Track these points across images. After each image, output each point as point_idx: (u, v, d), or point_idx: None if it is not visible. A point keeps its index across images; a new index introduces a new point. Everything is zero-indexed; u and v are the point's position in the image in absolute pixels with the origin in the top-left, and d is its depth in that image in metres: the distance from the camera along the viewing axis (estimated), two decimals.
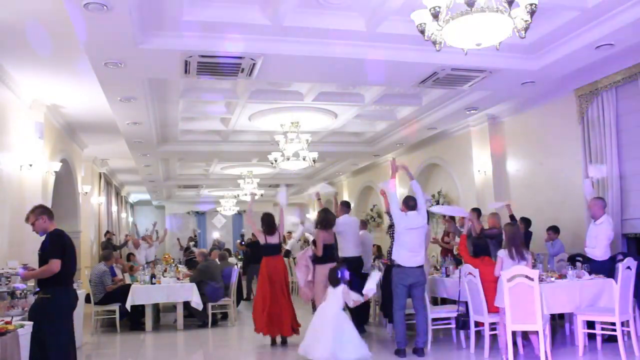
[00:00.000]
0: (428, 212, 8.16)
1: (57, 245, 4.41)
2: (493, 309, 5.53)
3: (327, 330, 5.39)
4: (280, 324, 6.67)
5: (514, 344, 5.24)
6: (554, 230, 7.77)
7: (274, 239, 6.89)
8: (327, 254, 6.79)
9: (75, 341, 4.94)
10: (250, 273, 12.08)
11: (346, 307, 6.24)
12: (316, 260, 6.84)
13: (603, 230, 6.18)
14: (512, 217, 8.14)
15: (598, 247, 6.17)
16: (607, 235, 6.15)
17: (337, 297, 5.62)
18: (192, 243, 16.23)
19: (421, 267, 5.95)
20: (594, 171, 7.09)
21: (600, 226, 6.22)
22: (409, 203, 6.03)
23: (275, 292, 6.73)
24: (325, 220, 6.88)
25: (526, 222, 7.82)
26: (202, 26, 5.23)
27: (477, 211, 8.53)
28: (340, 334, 5.42)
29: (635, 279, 5.46)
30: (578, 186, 7.63)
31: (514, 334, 5.27)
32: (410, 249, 5.88)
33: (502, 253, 5.51)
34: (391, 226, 7.13)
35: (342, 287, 5.65)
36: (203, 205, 22.51)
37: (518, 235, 5.59)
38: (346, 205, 7.76)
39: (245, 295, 11.55)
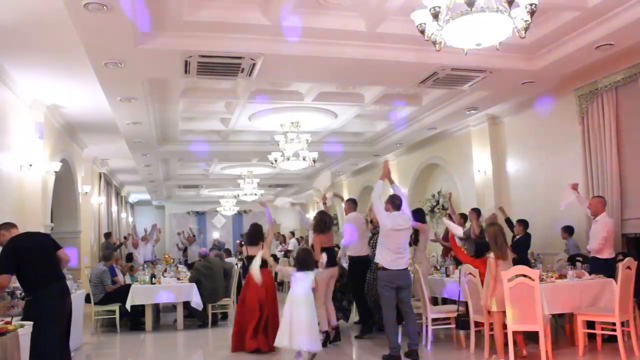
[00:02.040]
0: (424, 212, 8.16)
1: (4, 259, 4.43)
2: None
3: (303, 318, 5.31)
4: (261, 337, 6.32)
5: (514, 343, 5.24)
6: (565, 230, 7.67)
7: (255, 251, 6.49)
8: (327, 256, 6.35)
9: (70, 340, 4.93)
10: None
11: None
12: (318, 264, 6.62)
13: (601, 223, 6.19)
14: (508, 220, 8.14)
15: (594, 242, 6.18)
16: (606, 228, 6.14)
17: (308, 282, 5.49)
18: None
19: (406, 269, 5.75)
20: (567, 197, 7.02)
21: (598, 223, 6.24)
22: (396, 202, 5.77)
23: (254, 306, 6.40)
24: (322, 223, 6.71)
25: (524, 224, 7.80)
26: (202, 26, 5.23)
27: (476, 211, 8.54)
28: (314, 320, 5.46)
29: (635, 279, 5.46)
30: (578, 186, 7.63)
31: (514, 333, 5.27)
32: (395, 250, 5.64)
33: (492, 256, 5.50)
34: (374, 235, 7.10)
35: (316, 272, 5.61)
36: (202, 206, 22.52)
37: (499, 235, 5.56)
38: (353, 202, 7.65)
39: None
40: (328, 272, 6.45)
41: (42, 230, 7.82)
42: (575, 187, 6.91)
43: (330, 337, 6.61)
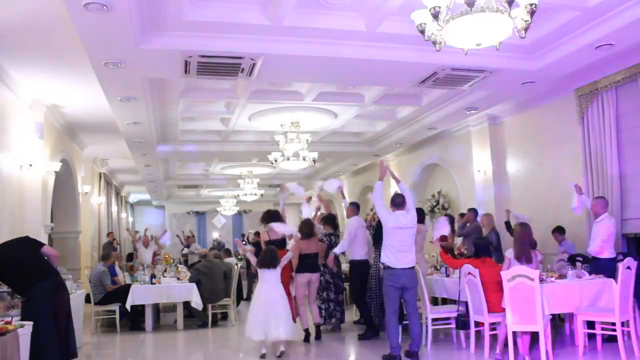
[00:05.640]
0: (424, 212, 8.16)
1: None
2: (494, 309, 5.53)
3: (280, 310, 6.02)
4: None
5: (514, 343, 5.24)
6: (559, 231, 7.66)
7: (276, 235, 7.05)
8: (305, 262, 6.99)
9: (73, 339, 4.92)
10: (252, 274, 12.03)
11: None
12: (296, 269, 7.06)
13: (602, 226, 6.19)
14: (507, 223, 8.13)
15: (595, 242, 6.18)
16: (607, 232, 6.14)
17: (276, 276, 6.20)
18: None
19: (412, 268, 5.70)
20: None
21: (599, 223, 6.23)
22: (397, 200, 5.74)
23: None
24: (301, 230, 7.07)
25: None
26: (202, 26, 5.23)
27: (473, 211, 8.54)
28: (288, 312, 6.16)
29: (635, 279, 5.46)
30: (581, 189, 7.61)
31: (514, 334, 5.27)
32: (399, 249, 5.59)
33: (509, 253, 5.51)
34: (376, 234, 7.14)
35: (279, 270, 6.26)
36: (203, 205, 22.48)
37: (527, 237, 5.60)
38: (356, 207, 7.75)
39: (245, 295, 11.55)
40: (305, 277, 6.95)
41: (42, 231, 7.85)
42: (578, 189, 6.89)
43: (312, 335, 6.92)
